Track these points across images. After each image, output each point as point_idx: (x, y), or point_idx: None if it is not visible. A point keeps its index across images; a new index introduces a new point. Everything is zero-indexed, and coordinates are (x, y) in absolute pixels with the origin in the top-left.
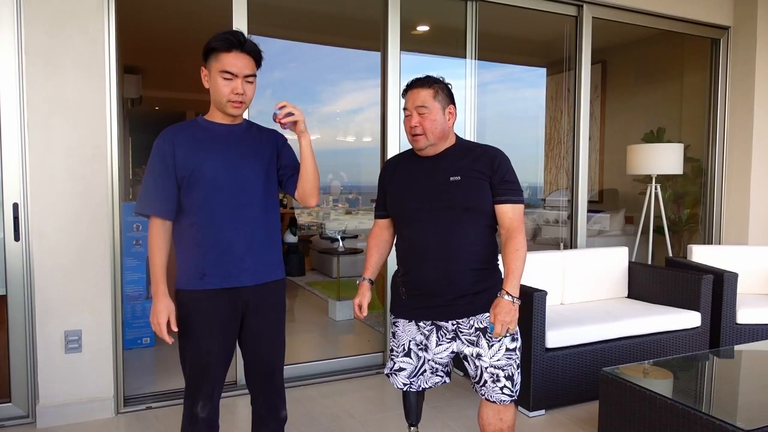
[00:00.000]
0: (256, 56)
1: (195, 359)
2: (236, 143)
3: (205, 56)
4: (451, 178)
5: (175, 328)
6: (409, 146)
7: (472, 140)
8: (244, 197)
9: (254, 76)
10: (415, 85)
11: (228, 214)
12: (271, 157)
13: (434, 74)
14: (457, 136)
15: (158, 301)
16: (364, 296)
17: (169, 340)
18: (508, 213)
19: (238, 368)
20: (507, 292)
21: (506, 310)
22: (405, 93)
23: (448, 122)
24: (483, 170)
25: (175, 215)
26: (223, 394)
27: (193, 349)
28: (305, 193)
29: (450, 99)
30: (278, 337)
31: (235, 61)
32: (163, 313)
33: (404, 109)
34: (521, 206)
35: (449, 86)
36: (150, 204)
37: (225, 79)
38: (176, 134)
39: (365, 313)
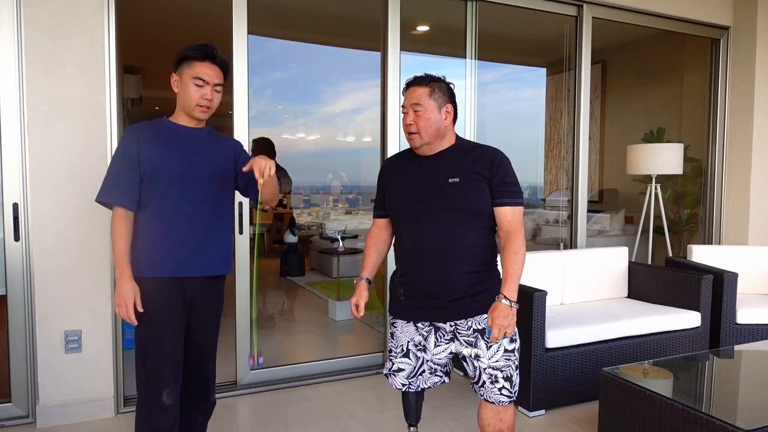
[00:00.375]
0: (225, 69)
1: (158, 345)
2: (197, 145)
3: (177, 63)
4: (450, 180)
5: (140, 309)
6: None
7: (472, 140)
8: (199, 195)
9: (222, 86)
10: (412, 83)
11: (183, 210)
12: (227, 161)
13: (435, 73)
14: (457, 136)
15: (124, 284)
16: (361, 296)
17: (135, 321)
18: (507, 215)
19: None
20: (505, 296)
21: (504, 314)
22: (404, 91)
23: (444, 121)
24: (482, 172)
25: (136, 206)
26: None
27: (156, 335)
28: (265, 200)
29: (448, 98)
30: (214, 327)
31: (207, 70)
32: (130, 294)
33: (402, 106)
34: (521, 208)
35: (450, 85)
36: (113, 193)
37: (197, 85)
38: (143, 131)
39: (362, 313)
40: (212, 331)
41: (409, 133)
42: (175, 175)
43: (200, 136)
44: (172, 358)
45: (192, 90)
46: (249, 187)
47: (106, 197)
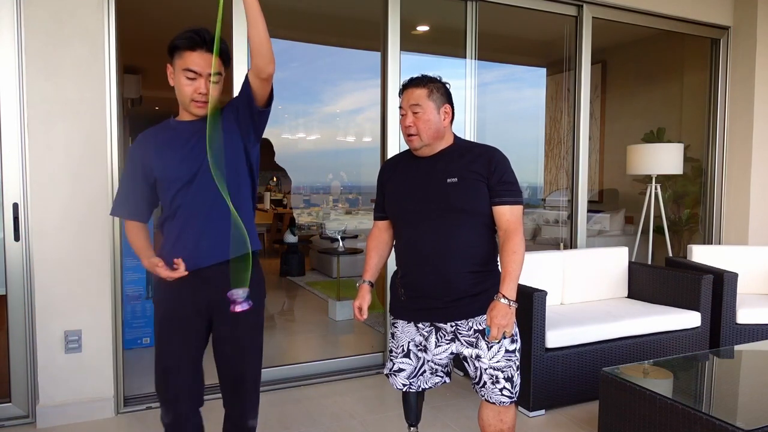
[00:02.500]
0: (223, 56)
1: (157, 360)
2: (200, 140)
3: (169, 54)
4: (449, 180)
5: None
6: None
7: (471, 140)
8: (206, 195)
9: (220, 75)
10: (409, 84)
11: (193, 212)
12: (231, 134)
13: (431, 74)
14: (455, 136)
15: (147, 259)
16: (364, 299)
17: (172, 274)
18: (506, 214)
19: None
20: (503, 296)
21: (502, 313)
22: (401, 92)
23: (443, 122)
24: (480, 171)
25: (149, 215)
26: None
27: (158, 351)
28: (258, 68)
29: (446, 98)
30: (253, 342)
31: (199, 60)
32: (154, 260)
33: (399, 108)
34: (520, 207)
35: (447, 85)
36: (121, 207)
37: (188, 78)
38: (147, 139)
39: (365, 316)
40: (247, 345)
41: (408, 135)
42: (177, 179)
43: (202, 128)
44: (169, 376)
45: (184, 84)
46: (245, 103)
47: (114, 210)
